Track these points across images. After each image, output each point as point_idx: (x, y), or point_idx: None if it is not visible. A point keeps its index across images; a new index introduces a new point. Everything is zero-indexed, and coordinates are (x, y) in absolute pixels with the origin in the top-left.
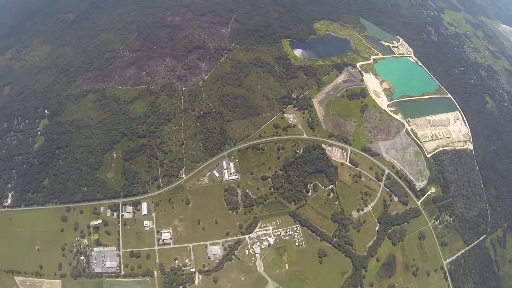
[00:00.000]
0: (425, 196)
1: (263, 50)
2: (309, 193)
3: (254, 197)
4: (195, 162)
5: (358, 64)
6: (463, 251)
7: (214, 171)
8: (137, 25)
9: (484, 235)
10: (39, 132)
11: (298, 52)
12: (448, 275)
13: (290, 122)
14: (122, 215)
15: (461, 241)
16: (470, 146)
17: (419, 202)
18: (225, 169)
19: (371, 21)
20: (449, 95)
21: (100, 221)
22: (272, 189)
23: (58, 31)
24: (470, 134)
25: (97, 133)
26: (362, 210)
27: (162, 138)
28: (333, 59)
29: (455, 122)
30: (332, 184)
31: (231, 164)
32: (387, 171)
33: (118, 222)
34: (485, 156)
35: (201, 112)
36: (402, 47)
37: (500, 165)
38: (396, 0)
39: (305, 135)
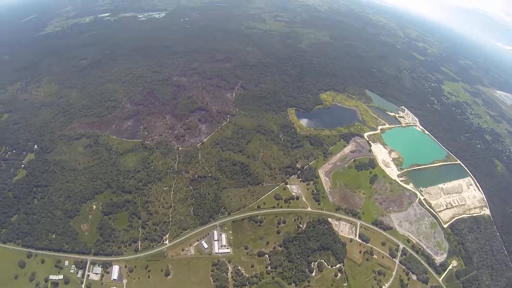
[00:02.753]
0: (446, 271)
1: (267, 117)
2: (313, 273)
3: (247, 275)
4: (182, 229)
5: (365, 134)
6: None
7: (203, 242)
8: (143, 80)
9: None
10: (22, 165)
11: (304, 121)
12: None
13: (293, 194)
14: (88, 275)
15: None
16: (487, 211)
17: (441, 278)
18: (215, 240)
19: (376, 93)
20: (459, 162)
21: (61, 276)
22: (269, 268)
23: (68, 74)
24: (485, 199)
25: (80, 179)
26: None
27: (149, 197)
28: (340, 129)
29: (468, 188)
30: (340, 263)
31: (223, 235)
32: (402, 246)
33: (81, 283)
34: (504, 220)
35: (196, 176)
36: (407, 117)
37: None
38: (398, 74)
39: (309, 208)
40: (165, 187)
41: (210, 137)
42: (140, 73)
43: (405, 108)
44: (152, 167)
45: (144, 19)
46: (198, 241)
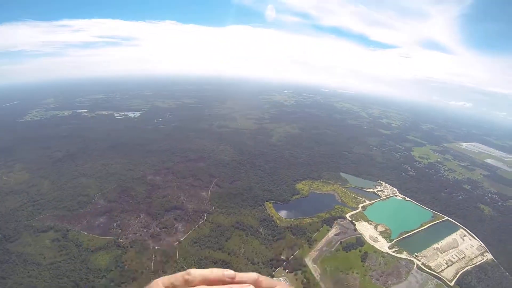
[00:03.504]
0: None
1: (245, 213)
2: None
3: None
4: None
5: (347, 215)
6: None
7: None
8: (117, 177)
9: None
10: None
11: (283, 213)
12: None
13: None
14: None
15: None
16: (489, 256)
17: None
18: None
19: (351, 174)
20: (446, 217)
21: None
22: None
23: (42, 164)
24: (483, 245)
25: (44, 275)
26: None
27: None
28: (320, 215)
29: (463, 239)
30: None
31: None
32: None
33: None
34: (509, 258)
35: None
36: (386, 189)
37: None
38: (369, 152)
39: None
40: None
41: (188, 235)
42: (114, 170)
43: (382, 182)
44: (126, 266)
45: (119, 117)
46: None
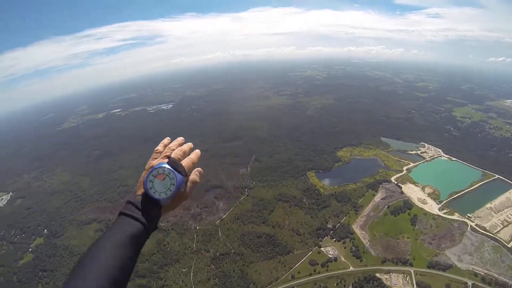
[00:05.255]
0: None
1: (287, 185)
2: None
3: None
4: None
5: (392, 178)
6: None
7: None
8: None
9: None
10: (30, 249)
11: (326, 181)
12: None
13: (330, 256)
14: None
15: None
16: None
17: None
18: None
19: (392, 138)
20: (497, 176)
21: None
22: None
23: (82, 163)
24: None
25: None
26: None
27: (166, 280)
28: (364, 180)
29: None
30: None
31: None
32: (470, 282)
33: None
34: None
35: (217, 253)
36: (430, 151)
37: None
38: (408, 115)
39: (351, 268)
40: (184, 268)
41: (229, 213)
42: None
43: (425, 144)
44: (168, 249)
45: (152, 111)
46: None
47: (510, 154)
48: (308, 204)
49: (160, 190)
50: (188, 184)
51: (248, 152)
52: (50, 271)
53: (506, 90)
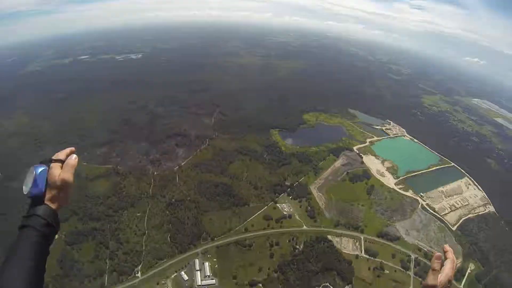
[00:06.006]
0: (465, 277)
1: (249, 139)
2: None
3: None
4: (157, 259)
5: (355, 148)
6: None
7: (182, 273)
8: (119, 109)
9: None
10: None
11: (289, 140)
12: None
13: (285, 213)
14: None
15: None
16: (491, 208)
17: (462, 285)
18: (197, 270)
19: (360, 110)
20: (453, 164)
21: None
22: None
23: (43, 107)
24: (486, 197)
25: None
26: None
27: (119, 224)
28: (327, 145)
29: (468, 188)
30: (348, 284)
31: (207, 264)
32: (413, 256)
33: None
34: (510, 215)
35: (173, 200)
36: (394, 129)
37: None
38: (378, 92)
39: (305, 227)
40: (138, 213)
41: (188, 160)
42: (116, 104)
43: (390, 121)
44: (124, 192)
45: (121, 59)
46: (176, 272)
47: (469, 147)
48: (268, 160)
49: (27, 186)
50: (61, 168)
51: (214, 105)
52: (2, 215)
53: (475, 90)
